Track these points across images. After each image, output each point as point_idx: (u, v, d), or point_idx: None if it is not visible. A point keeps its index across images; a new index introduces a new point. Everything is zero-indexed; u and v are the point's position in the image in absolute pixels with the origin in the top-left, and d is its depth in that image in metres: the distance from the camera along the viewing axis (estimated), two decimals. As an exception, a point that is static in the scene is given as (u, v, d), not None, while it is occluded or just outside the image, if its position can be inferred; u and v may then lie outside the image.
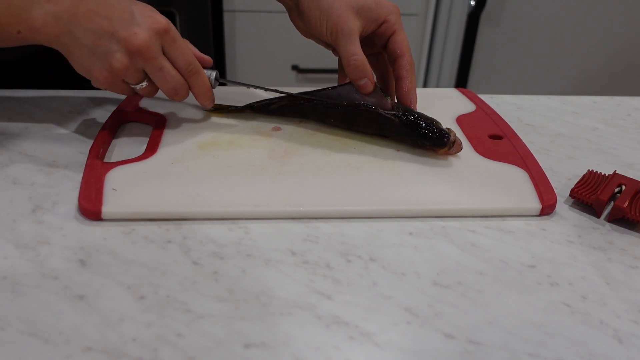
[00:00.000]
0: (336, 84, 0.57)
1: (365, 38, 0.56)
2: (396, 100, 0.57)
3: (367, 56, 0.58)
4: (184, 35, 0.52)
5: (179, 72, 0.51)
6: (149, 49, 0.47)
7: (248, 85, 0.59)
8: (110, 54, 0.47)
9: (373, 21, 0.55)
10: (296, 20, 0.59)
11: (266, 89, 0.59)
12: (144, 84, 0.51)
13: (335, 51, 0.59)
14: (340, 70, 0.59)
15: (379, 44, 0.57)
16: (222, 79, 0.57)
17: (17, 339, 0.34)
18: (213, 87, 0.55)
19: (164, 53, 0.50)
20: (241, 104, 0.61)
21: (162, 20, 0.49)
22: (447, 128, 0.53)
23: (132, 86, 0.51)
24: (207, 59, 0.55)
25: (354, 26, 0.53)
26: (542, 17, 1.70)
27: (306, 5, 0.56)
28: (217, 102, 0.62)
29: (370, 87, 0.54)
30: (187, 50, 0.51)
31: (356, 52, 0.53)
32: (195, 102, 0.63)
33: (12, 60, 0.70)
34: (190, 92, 0.54)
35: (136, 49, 0.47)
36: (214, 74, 0.55)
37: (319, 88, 0.58)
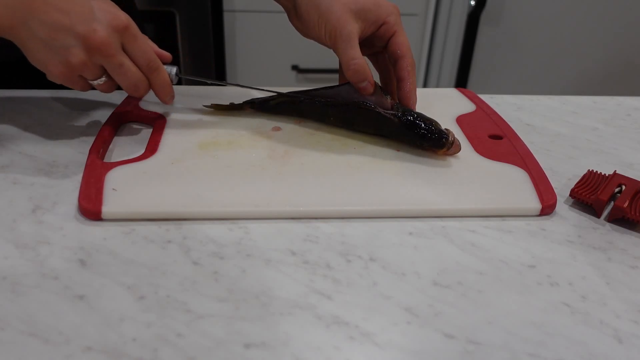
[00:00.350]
0: (336, 84, 0.57)
1: (365, 39, 0.56)
2: (397, 101, 0.57)
3: (367, 56, 0.58)
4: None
5: (139, 68, 0.51)
6: (109, 46, 0.47)
7: (210, 83, 0.59)
8: (67, 49, 0.47)
9: (372, 23, 0.54)
10: (295, 21, 0.59)
11: (226, 84, 0.59)
12: (102, 79, 0.50)
13: None
14: (341, 70, 0.59)
15: (378, 45, 0.57)
16: (182, 75, 0.57)
17: (17, 339, 0.34)
18: (173, 82, 0.55)
19: (124, 50, 0.49)
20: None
21: (122, 17, 0.48)
22: (446, 129, 0.53)
23: (90, 82, 0.51)
24: (167, 55, 0.54)
25: (352, 29, 0.53)
26: (542, 17, 1.70)
27: (304, 9, 0.55)
28: (216, 102, 0.62)
29: (371, 89, 0.54)
30: (148, 47, 0.51)
31: (355, 56, 0.53)
32: (195, 101, 0.63)
33: (12, 60, 0.70)
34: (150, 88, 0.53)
35: (95, 46, 0.46)
36: (174, 69, 0.55)
37: (318, 87, 0.58)
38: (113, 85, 0.52)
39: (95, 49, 0.47)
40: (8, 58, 0.69)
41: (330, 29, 0.53)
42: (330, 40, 0.54)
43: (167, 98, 0.55)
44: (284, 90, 0.60)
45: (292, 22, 0.60)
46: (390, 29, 0.55)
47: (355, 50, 0.53)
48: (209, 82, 0.59)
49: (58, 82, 0.50)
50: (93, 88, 0.52)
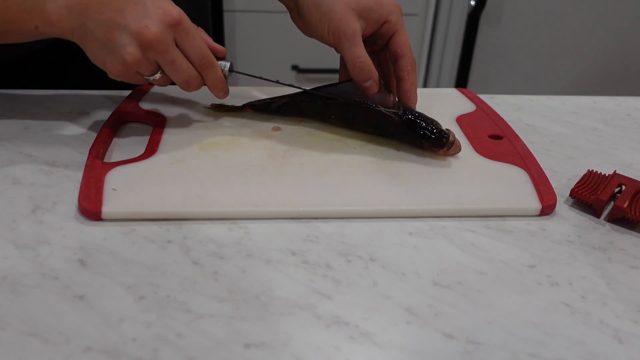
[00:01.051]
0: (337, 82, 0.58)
1: (366, 37, 0.56)
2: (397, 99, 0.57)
3: (368, 54, 0.58)
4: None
5: (192, 64, 0.50)
6: (161, 43, 0.47)
7: (261, 78, 0.58)
8: (122, 47, 0.47)
9: (374, 22, 0.54)
10: (297, 21, 0.59)
11: (278, 83, 0.59)
12: (158, 75, 0.51)
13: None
14: (342, 68, 0.59)
15: (380, 43, 0.57)
16: (235, 71, 0.56)
17: (17, 339, 0.34)
18: (226, 78, 0.55)
19: (177, 45, 0.49)
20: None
21: (174, 12, 0.48)
22: (446, 129, 0.53)
23: (146, 77, 0.51)
24: (221, 49, 0.54)
25: (356, 28, 0.53)
26: (542, 17, 1.70)
27: (306, 8, 0.55)
28: (217, 103, 0.62)
29: (375, 89, 0.54)
30: (201, 43, 0.50)
31: (361, 55, 0.52)
32: (195, 101, 0.63)
33: (12, 60, 0.70)
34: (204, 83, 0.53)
35: (148, 43, 0.47)
36: (227, 65, 0.54)
37: (320, 85, 0.58)
38: (169, 81, 0.52)
39: (148, 46, 0.47)
40: (8, 57, 0.69)
41: (333, 28, 0.53)
42: (334, 39, 0.54)
43: (220, 94, 0.55)
44: (287, 91, 0.60)
45: (294, 21, 0.60)
46: (392, 27, 0.55)
47: (360, 49, 0.53)
48: (263, 78, 0.58)
49: (118, 79, 0.50)
50: (150, 83, 0.52)
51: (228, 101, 0.62)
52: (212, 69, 0.52)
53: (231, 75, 0.56)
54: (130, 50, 0.47)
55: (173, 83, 0.53)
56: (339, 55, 0.56)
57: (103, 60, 0.49)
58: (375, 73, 0.53)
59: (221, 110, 0.61)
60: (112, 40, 0.47)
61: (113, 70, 0.49)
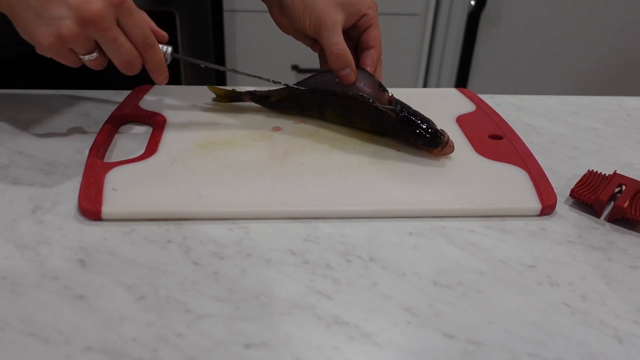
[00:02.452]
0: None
1: (345, 30, 0.57)
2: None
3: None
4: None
5: (133, 45, 0.49)
6: (103, 19, 0.45)
7: (204, 66, 0.57)
8: (59, 20, 0.44)
9: (355, 14, 0.57)
10: (277, 16, 0.61)
11: (235, 71, 0.59)
12: (94, 55, 0.48)
13: (315, 47, 0.61)
14: (322, 60, 0.61)
15: (354, 36, 0.59)
16: (176, 55, 0.55)
17: (17, 339, 0.34)
18: (168, 62, 0.53)
19: (119, 25, 0.47)
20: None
21: None
22: (441, 129, 0.53)
23: (81, 56, 0.48)
24: (163, 34, 0.53)
25: (337, 19, 0.55)
26: (542, 17, 1.70)
27: (290, 1, 0.57)
28: (216, 99, 0.62)
29: (353, 77, 0.55)
30: (144, 23, 0.49)
31: (339, 42, 0.55)
32: (195, 101, 0.63)
33: (12, 59, 0.70)
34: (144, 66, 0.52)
35: (89, 18, 0.45)
36: (169, 49, 0.53)
37: (304, 78, 0.59)
38: (104, 62, 0.50)
39: (89, 21, 0.45)
40: (8, 57, 0.69)
41: (314, 18, 0.55)
42: (315, 30, 0.56)
43: (160, 78, 0.53)
44: (276, 86, 0.61)
45: (273, 17, 0.61)
46: (369, 21, 0.57)
47: (339, 37, 0.55)
48: (203, 65, 0.57)
49: (47, 54, 0.48)
50: (83, 64, 0.50)
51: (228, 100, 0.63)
52: (154, 51, 0.50)
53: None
54: (68, 24, 0.45)
55: (111, 66, 0.50)
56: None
57: (34, 32, 0.46)
58: (352, 62, 0.55)
59: (221, 94, 0.62)
60: (48, 11, 0.44)
61: (44, 43, 0.46)
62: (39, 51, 0.48)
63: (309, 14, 0.56)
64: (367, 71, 0.56)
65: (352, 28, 0.58)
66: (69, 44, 0.46)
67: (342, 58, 0.55)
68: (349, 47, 0.58)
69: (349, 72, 0.55)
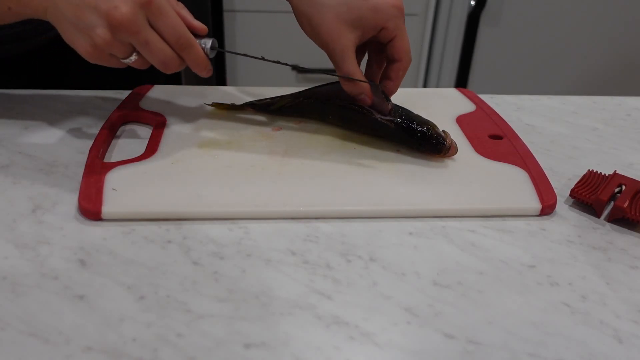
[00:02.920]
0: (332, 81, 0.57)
1: (366, 41, 0.55)
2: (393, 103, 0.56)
3: (370, 54, 0.57)
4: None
5: (169, 44, 0.47)
6: (132, 23, 0.45)
7: (246, 55, 0.55)
8: (91, 28, 0.45)
9: (371, 29, 0.52)
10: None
11: (263, 59, 0.54)
12: (134, 57, 0.48)
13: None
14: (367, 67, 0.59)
15: (377, 49, 0.56)
16: (220, 49, 0.53)
17: (17, 339, 0.34)
18: (209, 57, 0.51)
19: (151, 25, 0.46)
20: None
21: None
22: (443, 131, 0.53)
23: (122, 60, 0.48)
24: (202, 27, 0.51)
25: (346, 42, 0.51)
26: (542, 17, 1.70)
27: (299, 20, 0.54)
28: (218, 101, 0.62)
29: (368, 101, 0.54)
30: (176, 21, 0.47)
31: (350, 72, 0.52)
32: (195, 101, 0.63)
33: (12, 59, 0.70)
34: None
35: (117, 23, 0.44)
36: (209, 43, 0.50)
37: (319, 85, 0.58)
38: (147, 62, 0.49)
39: (118, 26, 0.44)
40: (8, 57, 0.69)
41: (322, 43, 0.52)
42: (324, 49, 0.53)
43: (203, 73, 0.51)
44: (294, 90, 0.60)
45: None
46: (390, 34, 0.53)
47: (350, 65, 0.52)
48: (248, 56, 0.55)
49: (92, 61, 0.48)
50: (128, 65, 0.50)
51: (228, 100, 0.63)
52: (191, 49, 0.49)
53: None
54: (100, 32, 0.45)
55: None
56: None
57: (74, 42, 0.47)
58: (367, 88, 0.53)
59: (222, 108, 0.61)
60: (82, 20, 0.45)
61: (84, 52, 0.47)
62: (84, 57, 0.48)
63: (316, 37, 0.52)
64: (372, 82, 0.55)
65: (374, 41, 0.54)
66: (106, 51, 0.46)
67: (355, 86, 0.52)
68: (371, 60, 0.56)
69: (364, 97, 0.53)
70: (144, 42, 0.46)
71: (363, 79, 0.53)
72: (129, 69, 0.54)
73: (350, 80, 0.52)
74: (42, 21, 0.49)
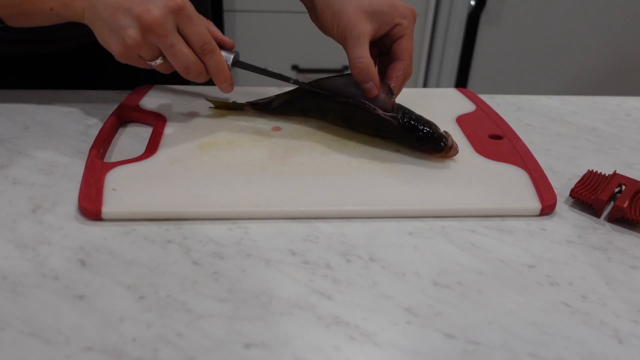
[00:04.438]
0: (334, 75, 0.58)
1: (378, 39, 0.56)
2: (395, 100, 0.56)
3: (379, 57, 0.58)
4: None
5: (193, 50, 0.51)
6: (161, 26, 0.48)
7: (266, 72, 0.58)
8: (124, 29, 0.48)
9: (387, 24, 0.55)
10: (315, 20, 0.60)
11: (282, 78, 0.58)
12: (159, 60, 0.51)
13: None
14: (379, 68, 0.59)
15: (387, 44, 0.57)
16: (242, 63, 0.56)
17: (17, 339, 0.34)
18: (230, 69, 0.54)
19: (179, 31, 0.50)
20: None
21: None
22: (444, 131, 0.53)
23: (148, 62, 0.52)
24: (228, 41, 0.55)
25: (363, 29, 0.53)
26: (542, 17, 1.70)
27: (319, 7, 0.57)
28: (219, 101, 0.62)
29: (375, 92, 0.54)
30: (203, 30, 0.50)
31: (363, 55, 0.53)
32: (195, 101, 0.63)
33: (13, 59, 0.70)
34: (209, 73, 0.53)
35: (148, 26, 0.47)
36: (231, 56, 0.54)
37: (319, 78, 0.58)
38: (171, 67, 0.52)
39: (148, 29, 0.48)
40: (8, 57, 0.69)
41: (341, 28, 0.54)
42: (341, 40, 0.55)
43: (223, 84, 0.54)
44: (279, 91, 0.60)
45: (313, 21, 0.61)
46: (401, 31, 0.55)
47: (363, 50, 0.53)
48: (267, 71, 0.58)
49: (122, 61, 0.51)
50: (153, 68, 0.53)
51: (229, 99, 0.62)
52: (213, 56, 0.52)
53: (235, 71, 0.56)
54: (131, 33, 0.48)
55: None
56: (339, 55, 0.56)
57: (108, 41, 0.50)
58: (375, 75, 0.53)
59: (222, 107, 0.61)
60: (116, 22, 0.48)
61: (116, 51, 0.50)
62: (116, 58, 0.51)
63: (337, 23, 0.54)
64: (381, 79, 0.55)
65: (385, 37, 0.57)
66: (135, 51, 0.50)
67: (364, 71, 0.53)
68: (382, 58, 0.58)
69: (372, 86, 0.53)
70: (170, 45, 0.49)
71: (373, 66, 0.53)
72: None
73: (359, 64, 0.53)
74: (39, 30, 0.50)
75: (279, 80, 0.58)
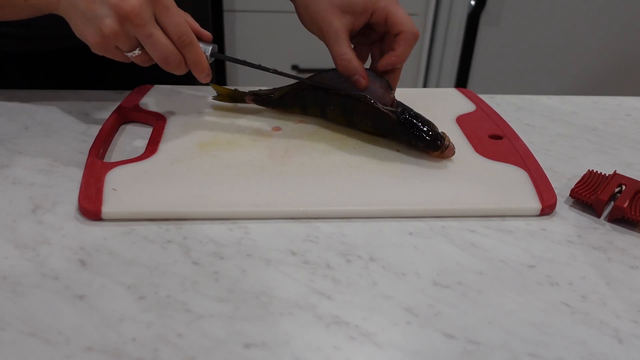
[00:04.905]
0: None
1: (361, 29, 0.56)
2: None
3: (369, 45, 0.58)
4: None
5: (172, 41, 0.50)
6: (138, 15, 0.47)
7: (245, 63, 0.57)
8: (100, 19, 0.47)
9: (362, 13, 0.55)
10: (300, 19, 0.60)
11: (260, 68, 0.57)
12: (137, 51, 0.50)
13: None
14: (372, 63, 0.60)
15: (379, 31, 0.57)
16: (219, 54, 0.55)
17: (17, 339, 0.34)
18: (208, 60, 0.53)
19: (157, 21, 0.49)
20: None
21: None
22: (442, 132, 0.53)
23: (126, 53, 0.51)
24: (206, 34, 0.54)
25: (339, 25, 0.54)
26: (542, 17, 1.70)
27: (298, 7, 0.58)
28: (219, 97, 0.62)
29: (363, 83, 0.54)
30: (181, 20, 0.50)
31: (343, 52, 0.54)
32: (195, 101, 0.63)
33: (13, 60, 0.70)
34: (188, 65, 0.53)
35: (125, 14, 0.47)
36: (209, 48, 0.53)
37: (312, 75, 0.58)
38: (148, 59, 0.52)
39: (125, 18, 0.47)
40: (8, 57, 0.69)
41: (318, 28, 0.55)
42: (321, 38, 0.56)
43: (201, 75, 0.54)
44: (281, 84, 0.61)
45: (300, 20, 0.61)
46: (382, 13, 0.55)
47: (342, 46, 0.54)
48: (247, 63, 0.57)
49: (98, 53, 0.51)
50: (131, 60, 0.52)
51: (229, 100, 0.63)
52: (192, 47, 0.51)
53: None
54: (108, 22, 0.47)
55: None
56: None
57: (84, 32, 0.49)
58: (360, 68, 0.54)
59: (224, 95, 0.62)
60: (92, 11, 0.47)
61: (92, 42, 0.49)
62: (92, 50, 0.50)
63: (314, 23, 0.55)
64: (375, 72, 0.55)
65: (370, 25, 0.56)
66: (112, 42, 0.49)
67: (348, 67, 0.54)
68: (368, 45, 0.58)
69: (358, 78, 0.54)
70: (148, 34, 0.48)
71: (356, 60, 0.54)
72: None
73: (342, 61, 0.54)
74: (47, 23, 0.50)
75: (278, 83, 0.59)
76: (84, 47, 0.52)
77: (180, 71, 0.52)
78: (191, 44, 0.51)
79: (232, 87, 0.63)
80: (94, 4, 0.47)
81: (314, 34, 0.57)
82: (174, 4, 0.50)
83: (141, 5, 0.47)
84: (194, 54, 0.51)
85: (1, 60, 0.70)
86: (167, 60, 0.50)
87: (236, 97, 0.62)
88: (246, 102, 0.62)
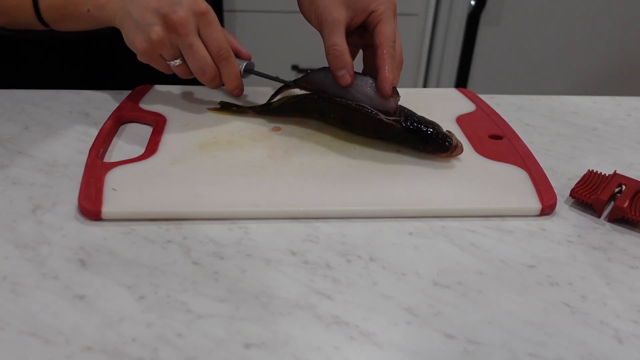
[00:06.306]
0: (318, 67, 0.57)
1: (357, 28, 0.57)
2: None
3: (363, 48, 0.59)
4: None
5: (210, 54, 0.54)
6: (183, 26, 0.51)
7: (277, 79, 0.60)
8: (150, 26, 0.52)
9: (362, 11, 0.55)
10: (299, 8, 0.61)
11: (293, 83, 0.59)
12: (178, 61, 0.54)
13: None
14: (365, 61, 0.60)
15: (367, 35, 0.57)
16: (254, 71, 0.59)
17: (17, 339, 0.34)
18: (243, 77, 0.57)
19: (200, 35, 0.53)
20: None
21: (203, 5, 0.53)
22: (447, 131, 0.53)
23: (168, 62, 0.55)
24: (245, 52, 0.58)
25: (338, 16, 0.54)
26: (542, 17, 1.70)
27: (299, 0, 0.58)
28: (220, 102, 0.62)
29: (348, 79, 0.53)
30: (221, 36, 0.54)
31: (337, 43, 0.54)
32: (195, 101, 0.63)
33: (13, 60, 0.70)
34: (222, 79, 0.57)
35: (172, 24, 0.51)
36: (244, 64, 0.57)
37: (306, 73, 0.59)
38: (188, 70, 0.56)
39: (172, 27, 0.51)
40: (8, 57, 0.69)
41: (317, 15, 0.55)
42: (318, 26, 0.56)
43: (234, 90, 0.58)
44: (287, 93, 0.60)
45: (300, 10, 0.61)
46: (377, 17, 0.55)
47: (338, 37, 0.54)
48: (279, 80, 0.60)
49: (144, 60, 0.55)
50: (172, 70, 0.56)
51: (229, 100, 0.62)
52: (228, 62, 0.55)
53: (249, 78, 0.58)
54: (156, 29, 0.52)
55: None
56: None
57: (133, 39, 0.53)
58: (349, 63, 0.53)
59: (223, 111, 0.61)
60: (144, 20, 0.52)
61: (140, 49, 0.53)
62: (139, 58, 0.55)
63: (314, 10, 0.56)
64: (371, 77, 0.54)
65: (362, 27, 0.57)
66: (158, 49, 0.53)
67: (338, 58, 0.53)
68: (361, 47, 0.59)
69: (345, 74, 0.53)
70: (189, 44, 0.53)
71: (348, 54, 0.53)
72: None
73: (333, 51, 0.54)
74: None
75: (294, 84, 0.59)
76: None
77: (214, 84, 0.56)
78: (228, 59, 0.55)
79: (231, 103, 0.62)
80: (146, 14, 0.52)
81: (311, 23, 0.58)
82: (218, 22, 0.54)
83: (188, 17, 0.51)
84: (229, 69, 0.55)
85: (1, 61, 0.70)
86: (203, 71, 0.54)
87: (238, 112, 0.62)
88: (248, 114, 0.61)
